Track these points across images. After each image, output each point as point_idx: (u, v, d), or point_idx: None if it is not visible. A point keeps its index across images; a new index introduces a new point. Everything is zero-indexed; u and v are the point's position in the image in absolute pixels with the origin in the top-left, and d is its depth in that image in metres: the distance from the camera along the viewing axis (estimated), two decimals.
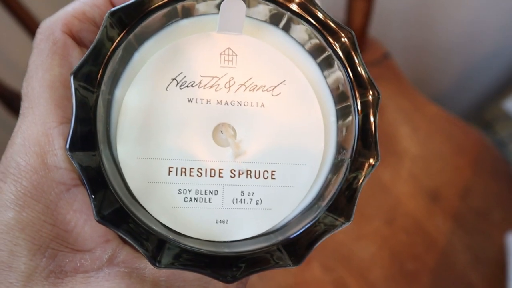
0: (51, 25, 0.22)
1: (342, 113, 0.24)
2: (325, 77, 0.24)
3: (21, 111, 0.22)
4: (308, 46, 0.24)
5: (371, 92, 0.23)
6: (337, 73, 0.23)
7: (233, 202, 0.23)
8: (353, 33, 0.23)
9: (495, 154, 0.67)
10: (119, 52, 0.21)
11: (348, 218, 0.22)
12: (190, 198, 0.22)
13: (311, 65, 0.24)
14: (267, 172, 0.23)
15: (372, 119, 0.23)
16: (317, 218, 0.22)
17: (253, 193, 0.23)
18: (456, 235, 0.60)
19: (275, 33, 0.24)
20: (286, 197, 0.23)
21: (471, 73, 0.94)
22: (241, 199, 0.23)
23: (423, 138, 0.67)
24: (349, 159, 0.23)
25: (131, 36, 0.21)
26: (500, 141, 0.82)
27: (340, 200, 0.22)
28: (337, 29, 0.23)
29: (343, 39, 0.23)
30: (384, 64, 0.71)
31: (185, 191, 0.22)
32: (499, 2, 0.81)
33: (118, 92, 0.22)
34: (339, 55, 0.23)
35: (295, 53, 0.24)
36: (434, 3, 0.84)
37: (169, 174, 0.22)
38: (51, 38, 0.22)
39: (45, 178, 0.20)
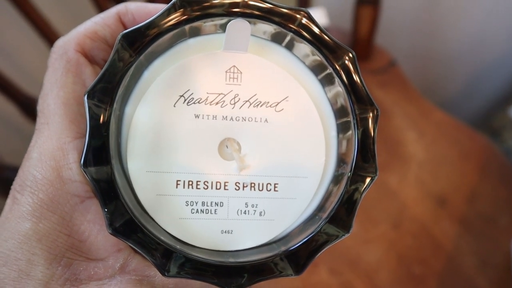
0: (65, 45, 0.24)
1: (342, 128, 0.25)
2: (326, 93, 0.25)
3: (36, 127, 0.23)
4: (310, 63, 0.25)
5: (370, 109, 0.24)
6: (338, 89, 0.24)
7: (237, 213, 0.23)
8: (353, 53, 0.24)
9: (502, 160, 0.67)
10: (130, 71, 0.22)
11: (347, 230, 0.23)
12: (197, 209, 0.23)
13: (312, 82, 0.25)
14: (270, 184, 0.24)
15: (371, 134, 0.24)
16: (318, 230, 0.23)
17: (256, 204, 0.24)
18: (463, 239, 0.61)
19: (278, 51, 0.25)
20: (288, 209, 0.24)
21: (478, 82, 0.94)
22: (245, 211, 0.24)
23: (429, 144, 0.68)
24: (349, 173, 0.23)
25: (141, 56, 0.22)
26: (508, 149, 0.82)
27: (340, 212, 0.23)
28: (338, 49, 0.24)
29: (344, 58, 0.24)
30: (391, 71, 0.72)
31: (192, 203, 0.23)
32: (504, 11, 0.81)
33: (128, 108, 0.23)
34: (340, 74, 0.24)
35: (298, 70, 0.25)
36: (440, 13, 0.84)
37: (177, 187, 0.23)
38: (64, 57, 0.23)
39: (60, 190, 0.21)
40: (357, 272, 0.58)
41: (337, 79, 0.24)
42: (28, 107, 0.61)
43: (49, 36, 0.59)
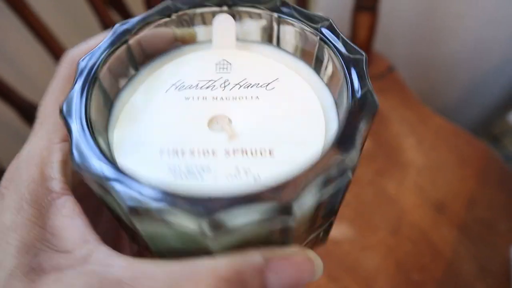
0: (73, 55, 0.25)
1: (339, 98, 0.23)
2: (322, 78, 0.25)
3: (33, 126, 0.24)
4: (299, 54, 0.25)
5: (358, 54, 0.22)
6: (329, 65, 0.24)
7: (227, 178, 0.21)
8: (330, 19, 0.23)
9: (501, 166, 0.67)
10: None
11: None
12: (181, 175, 0.21)
13: (304, 67, 0.25)
14: (265, 150, 0.22)
15: (365, 79, 0.22)
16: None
17: (249, 168, 0.21)
18: (462, 245, 0.61)
19: (268, 47, 0.26)
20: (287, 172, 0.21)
21: (478, 88, 0.94)
22: (235, 175, 0.21)
23: (428, 150, 0.68)
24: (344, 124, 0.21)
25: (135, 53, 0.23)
26: (508, 155, 0.82)
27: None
28: (315, 18, 0.24)
29: (323, 25, 0.23)
30: (389, 77, 0.72)
31: (175, 167, 0.21)
32: (503, 18, 0.81)
33: (123, 97, 0.24)
34: (324, 39, 0.23)
35: (288, 59, 0.25)
36: (439, 20, 0.85)
37: (161, 155, 0.22)
38: (71, 66, 0.25)
39: (40, 186, 0.22)
40: (355, 278, 0.58)
41: (326, 49, 0.23)
42: (27, 112, 0.61)
43: (48, 42, 0.59)
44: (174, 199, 0.17)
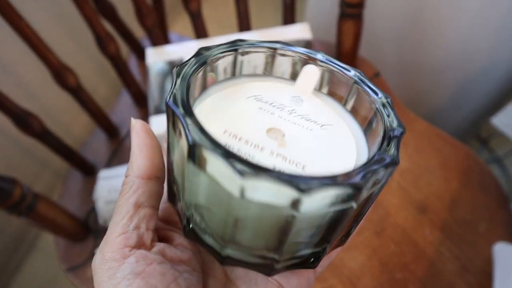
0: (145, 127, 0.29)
1: (371, 151, 0.27)
2: (365, 134, 0.29)
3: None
4: (350, 107, 0.30)
5: (401, 129, 0.26)
6: (377, 130, 0.27)
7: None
8: (389, 99, 0.28)
9: (482, 168, 0.69)
10: None
11: None
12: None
13: (352, 120, 0.29)
14: (300, 164, 0.25)
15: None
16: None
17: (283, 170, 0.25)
18: (444, 245, 0.62)
19: (333, 101, 0.31)
20: None
21: (463, 93, 0.95)
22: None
23: (412, 152, 0.69)
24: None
25: None
26: (496, 158, 0.83)
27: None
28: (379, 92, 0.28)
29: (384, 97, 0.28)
30: (375, 82, 0.73)
31: (229, 146, 0.25)
32: (484, 27, 0.83)
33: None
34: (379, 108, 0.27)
35: (343, 112, 0.30)
36: (424, 26, 0.86)
37: (223, 133, 0.25)
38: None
39: None
40: (340, 278, 0.59)
41: (379, 120, 0.27)
42: (22, 120, 0.62)
43: (42, 51, 0.61)
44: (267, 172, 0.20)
